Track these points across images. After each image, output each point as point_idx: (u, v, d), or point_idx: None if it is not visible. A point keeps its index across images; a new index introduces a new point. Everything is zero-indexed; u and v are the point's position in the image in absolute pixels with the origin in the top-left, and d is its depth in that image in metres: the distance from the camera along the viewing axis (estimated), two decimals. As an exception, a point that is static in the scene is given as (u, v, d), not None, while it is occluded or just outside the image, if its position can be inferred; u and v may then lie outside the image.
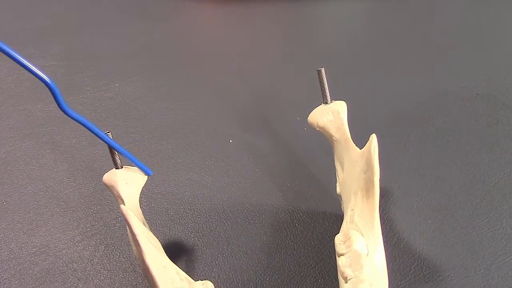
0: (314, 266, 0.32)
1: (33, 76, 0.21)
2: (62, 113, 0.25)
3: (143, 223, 0.30)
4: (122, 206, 0.25)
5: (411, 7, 0.68)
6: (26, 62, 0.20)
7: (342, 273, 0.26)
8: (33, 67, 0.21)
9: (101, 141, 0.29)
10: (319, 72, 0.33)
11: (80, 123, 0.25)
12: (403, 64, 0.54)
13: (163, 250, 0.28)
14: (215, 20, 0.68)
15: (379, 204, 0.36)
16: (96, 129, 0.26)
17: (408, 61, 0.55)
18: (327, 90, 0.33)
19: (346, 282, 0.26)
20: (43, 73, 0.21)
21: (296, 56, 0.57)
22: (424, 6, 0.68)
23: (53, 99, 0.22)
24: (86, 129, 0.26)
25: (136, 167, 0.31)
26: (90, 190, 0.39)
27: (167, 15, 0.68)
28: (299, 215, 0.36)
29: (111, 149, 0.30)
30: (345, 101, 0.33)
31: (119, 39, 0.61)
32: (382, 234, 0.33)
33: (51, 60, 0.57)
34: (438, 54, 0.56)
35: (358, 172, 0.30)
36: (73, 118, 0.24)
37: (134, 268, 0.32)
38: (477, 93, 0.48)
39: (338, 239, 0.28)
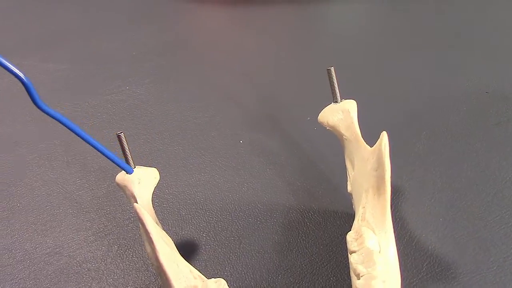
0: (326, 264, 0.32)
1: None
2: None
3: (156, 223, 0.30)
4: (135, 204, 0.25)
5: (419, 7, 0.68)
6: (2, 60, 0.20)
7: (355, 270, 0.26)
8: (9, 64, 0.20)
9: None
10: (328, 71, 0.33)
11: (56, 118, 0.25)
12: (412, 63, 0.54)
13: (176, 249, 0.29)
14: (222, 22, 0.68)
15: (391, 202, 0.36)
16: (73, 126, 0.26)
17: (417, 60, 0.55)
18: (337, 89, 0.33)
19: (359, 279, 0.26)
20: (18, 69, 0.21)
21: (304, 56, 0.58)
22: (433, 6, 0.68)
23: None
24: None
25: (148, 168, 0.31)
26: (102, 191, 0.39)
27: (174, 17, 0.69)
28: (310, 214, 0.36)
29: (124, 149, 0.30)
30: (355, 100, 0.34)
31: (128, 42, 0.62)
32: (394, 232, 0.33)
33: (64, 64, 0.58)
34: (448, 53, 0.56)
35: (369, 170, 0.30)
36: (49, 115, 0.24)
37: (147, 268, 0.33)
38: (487, 92, 0.48)
39: (350, 236, 0.28)
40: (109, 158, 0.28)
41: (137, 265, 0.33)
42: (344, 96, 0.34)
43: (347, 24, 0.66)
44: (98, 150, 0.27)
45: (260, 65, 0.56)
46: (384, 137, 0.28)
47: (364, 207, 0.29)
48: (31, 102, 0.21)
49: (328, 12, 0.69)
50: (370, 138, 0.30)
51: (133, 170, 0.30)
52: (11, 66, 0.20)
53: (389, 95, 0.49)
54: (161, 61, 0.57)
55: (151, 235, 0.24)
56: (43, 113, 0.22)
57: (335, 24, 0.66)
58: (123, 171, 0.31)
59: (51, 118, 0.23)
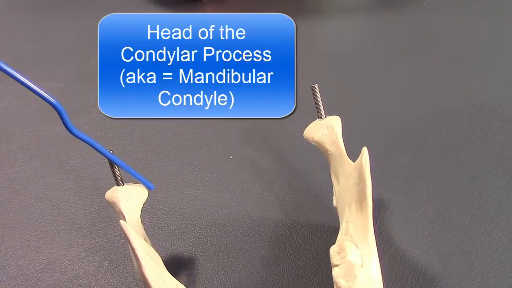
0: (312, 278, 0.33)
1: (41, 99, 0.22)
2: (68, 134, 0.26)
3: (144, 239, 0.31)
4: (121, 221, 0.26)
5: (405, 22, 0.69)
6: (34, 86, 0.21)
7: (336, 284, 0.27)
8: (41, 91, 0.22)
9: (105, 159, 0.30)
10: (313, 89, 0.34)
11: (86, 142, 0.26)
12: (399, 78, 0.55)
13: (163, 264, 0.29)
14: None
15: (375, 216, 0.37)
16: (100, 148, 0.27)
17: (404, 74, 0.56)
18: (321, 106, 0.34)
19: (340, 292, 0.26)
20: (49, 95, 0.22)
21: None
22: (420, 21, 0.70)
23: (60, 120, 0.23)
24: (91, 149, 0.27)
25: (138, 184, 0.32)
26: (95, 208, 0.40)
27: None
28: (297, 228, 0.37)
29: (112, 166, 0.31)
30: (342, 115, 0.34)
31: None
32: (379, 245, 0.34)
33: (59, 82, 0.59)
34: (435, 67, 0.57)
35: (351, 185, 0.30)
36: (79, 138, 0.26)
37: (136, 283, 0.33)
38: (473, 105, 0.49)
39: (333, 250, 0.29)
40: (137, 178, 0.31)
41: (127, 281, 0.33)
42: (333, 111, 0.35)
43: (335, 40, 0.67)
44: (126, 170, 0.30)
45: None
46: (364, 152, 0.29)
47: (347, 221, 0.30)
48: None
49: (317, 29, 0.70)
50: (358, 153, 0.31)
51: (154, 186, 0.32)
52: (44, 93, 0.21)
53: (376, 109, 0.50)
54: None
55: (136, 251, 0.25)
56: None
57: (324, 41, 0.67)
58: (113, 187, 0.31)
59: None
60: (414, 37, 0.65)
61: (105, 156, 0.28)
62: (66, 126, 0.24)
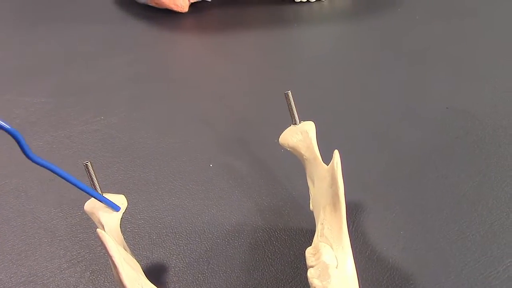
0: (291, 281, 0.33)
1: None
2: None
3: (124, 248, 0.31)
4: (98, 230, 0.26)
5: (380, 28, 0.71)
6: None
7: (311, 284, 0.27)
8: None
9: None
10: (286, 95, 0.35)
11: (48, 169, 0.27)
12: (372, 82, 0.57)
13: (142, 272, 0.30)
14: (195, 50, 0.70)
15: (351, 218, 0.38)
16: (61, 172, 0.27)
17: (378, 79, 0.57)
18: (295, 112, 0.35)
19: (315, 292, 0.27)
20: (5, 123, 0.22)
21: (273, 80, 0.60)
22: (397, 25, 0.71)
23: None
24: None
25: (115, 195, 0.33)
26: (76, 219, 0.40)
27: (148, 47, 0.71)
28: (276, 233, 0.37)
29: (90, 176, 0.31)
30: (316, 121, 0.35)
31: (103, 73, 0.64)
32: (356, 247, 0.35)
33: (40, 97, 0.59)
34: (408, 71, 0.58)
35: (325, 187, 0.31)
36: (41, 165, 0.26)
37: (118, 292, 0.34)
38: (447, 107, 0.50)
39: (309, 252, 0.30)
40: (97, 199, 0.31)
41: (109, 290, 0.34)
42: (308, 117, 0.36)
43: (317, 46, 0.68)
44: (87, 193, 0.30)
45: (231, 91, 0.58)
46: (336, 155, 0.30)
47: (322, 223, 0.31)
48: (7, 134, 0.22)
49: (299, 36, 0.71)
50: (331, 157, 0.31)
51: (119, 208, 0.32)
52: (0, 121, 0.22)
53: (350, 114, 0.51)
54: (135, 90, 0.59)
55: (114, 259, 0.26)
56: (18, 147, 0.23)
57: (306, 48, 0.68)
58: (91, 198, 0.32)
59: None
60: (388, 42, 0.67)
61: (67, 181, 0.28)
62: (25, 154, 0.24)
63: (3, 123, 0.21)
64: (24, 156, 0.23)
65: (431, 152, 0.44)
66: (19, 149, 0.23)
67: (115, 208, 0.31)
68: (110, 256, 0.26)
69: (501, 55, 0.60)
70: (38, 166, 0.25)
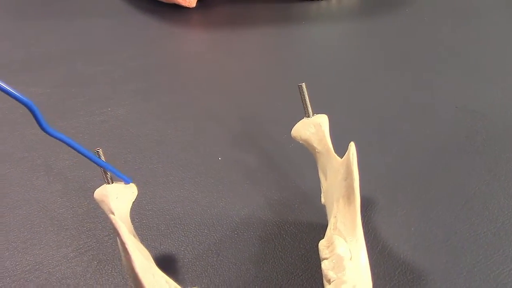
0: (302, 274, 0.33)
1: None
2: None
3: (134, 236, 0.31)
4: (111, 215, 0.26)
5: (392, 27, 0.71)
6: (4, 85, 0.21)
7: (326, 276, 0.27)
8: (13, 91, 0.21)
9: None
10: (300, 87, 0.34)
11: (62, 140, 0.26)
12: (382, 81, 0.56)
13: (152, 260, 0.29)
14: (203, 45, 0.70)
15: (363, 213, 0.37)
16: (76, 145, 0.27)
17: (389, 76, 0.57)
18: (308, 104, 0.35)
19: (330, 284, 0.27)
20: (21, 95, 0.22)
21: (282, 76, 0.59)
22: (405, 25, 0.71)
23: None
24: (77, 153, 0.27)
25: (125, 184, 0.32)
26: (83, 209, 0.40)
27: (155, 41, 0.70)
28: (286, 226, 0.37)
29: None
30: (329, 114, 0.35)
31: (110, 65, 0.63)
32: (367, 242, 0.34)
33: (46, 88, 0.58)
34: (419, 69, 0.58)
35: (339, 180, 0.31)
36: (54, 137, 0.26)
37: (125, 282, 0.33)
38: (456, 106, 0.50)
39: (322, 244, 0.30)
40: (110, 171, 0.31)
41: (116, 280, 0.33)
42: (321, 111, 0.35)
43: (325, 44, 0.68)
44: (103, 167, 0.30)
45: (239, 86, 0.57)
46: (351, 147, 0.30)
47: (335, 216, 0.30)
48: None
49: (307, 34, 0.71)
50: (343, 151, 0.31)
51: (130, 181, 0.32)
52: (15, 92, 0.21)
53: (362, 109, 0.51)
54: (142, 83, 0.59)
55: (126, 246, 0.25)
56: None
57: (314, 45, 0.68)
58: (102, 185, 0.32)
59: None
60: (396, 41, 0.66)
61: (81, 153, 0.28)
62: (40, 126, 0.24)
63: (19, 95, 0.21)
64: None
65: (441, 150, 0.44)
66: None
67: (126, 180, 0.32)
68: (123, 243, 0.25)
69: (510, 55, 0.60)
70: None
